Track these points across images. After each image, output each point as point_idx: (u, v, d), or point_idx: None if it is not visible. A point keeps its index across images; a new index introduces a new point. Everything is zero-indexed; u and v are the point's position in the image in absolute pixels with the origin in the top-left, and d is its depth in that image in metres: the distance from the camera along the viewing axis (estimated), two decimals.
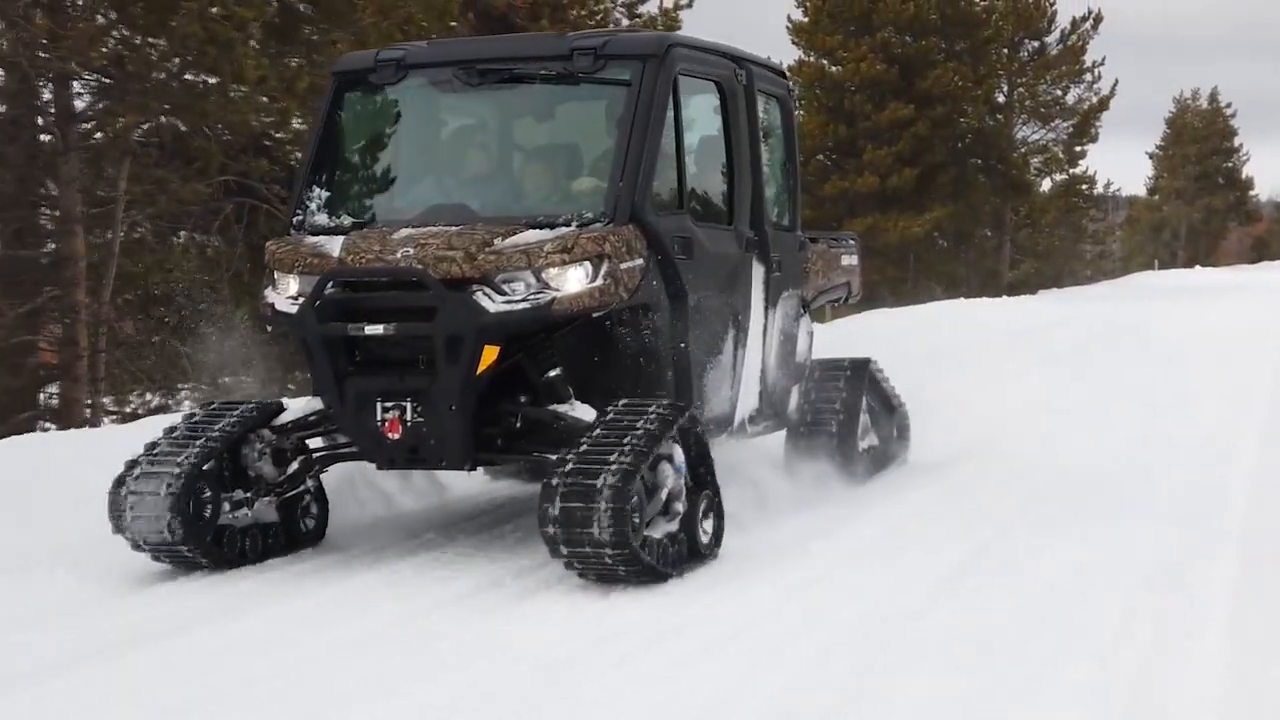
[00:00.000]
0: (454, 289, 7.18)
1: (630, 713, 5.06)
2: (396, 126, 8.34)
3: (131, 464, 7.32)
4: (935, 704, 5.07)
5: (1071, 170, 47.29)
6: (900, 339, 18.13)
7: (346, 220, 7.87)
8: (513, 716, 5.04)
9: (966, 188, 41.03)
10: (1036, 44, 44.49)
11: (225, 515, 7.46)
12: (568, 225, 7.41)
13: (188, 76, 16.25)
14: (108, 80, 16.32)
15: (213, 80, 16.03)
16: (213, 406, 7.85)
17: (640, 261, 7.48)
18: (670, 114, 7.79)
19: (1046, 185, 47.47)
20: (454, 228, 7.44)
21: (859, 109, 38.97)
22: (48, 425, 16.65)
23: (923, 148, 39.05)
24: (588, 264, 7.26)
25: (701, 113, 8.38)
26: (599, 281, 7.28)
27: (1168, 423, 12.27)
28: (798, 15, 40.72)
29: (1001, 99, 44.02)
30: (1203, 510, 8.48)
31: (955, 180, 40.57)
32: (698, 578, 7.04)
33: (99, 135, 16.87)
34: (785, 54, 42.00)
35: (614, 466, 6.63)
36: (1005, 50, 43.33)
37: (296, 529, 7.89)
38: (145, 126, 16.84)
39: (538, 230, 7.38)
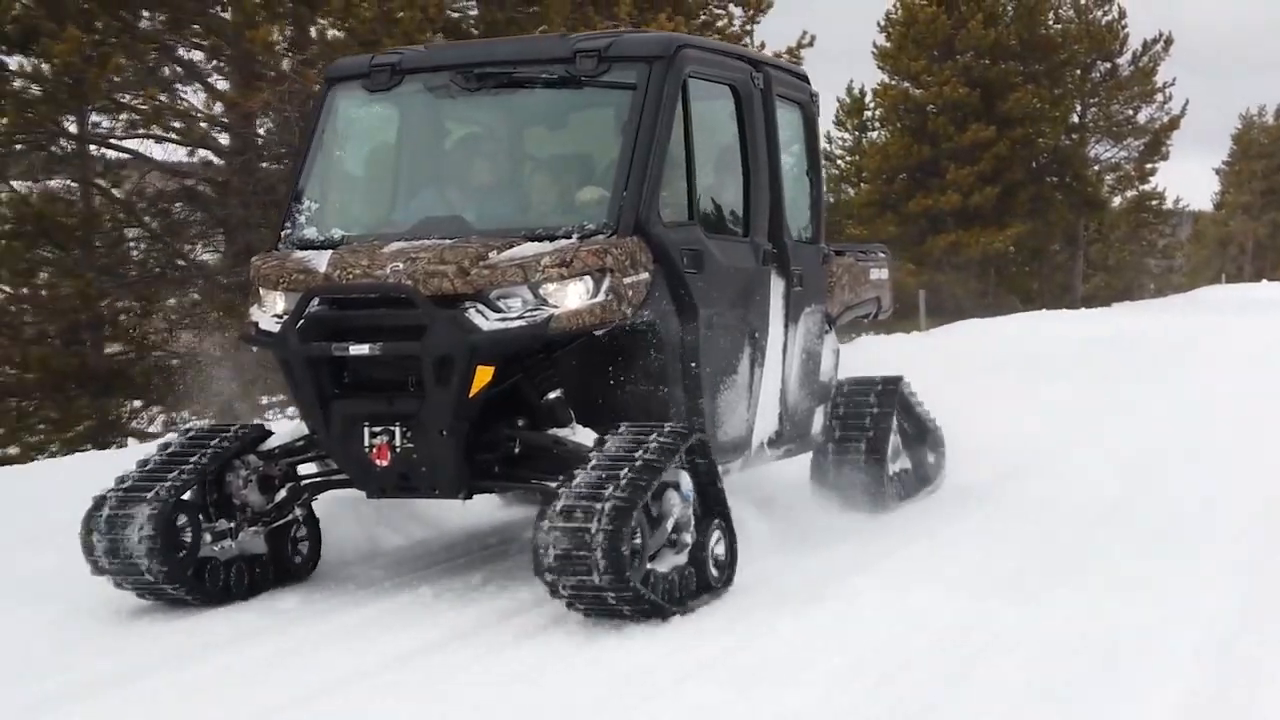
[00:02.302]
0: (445, 306, 6.73)
1: None
2: (390, 134, 7.91)
3: (102, 499, 6.89)
4: None
5: (1142, 187, 48.62)
6: (999, 349, 19.25)
7: (336, 233, 7.44)
8: None
9: (1044, 205, 42.53)
10: (1108, 65, 45.71)
11: (207, 547, 7.03)
12: (568, 237, 6.95)
13: None
14: None
15: None
16: (193, 432, 7.43)
17: (645, 276, 7.01)
18: (679, 119, 7.32)
19: (1118, 202, 48.86)
20: (447, 241, 7.00)
21: (941, 130, 40.34)
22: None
23: (1002, 167, 40.57)
24: (588, 279, 6.80)
25: (715, 118, 7.90)
26: (600, 297, 6.82)
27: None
28: (882, 41, 42.41)
29: (1076, 119, 45.31)
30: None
31: (1033, 198, 42.12)
32: (712, 613, 6.57)
33: None
34: (870, 78, 44.59)
35: (613, 495, 6.16)
36: (1079, 72, 44.77)
37: (287, 560, 7.46)
38: None
39: (536, 243, 6.92)
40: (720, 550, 6.91)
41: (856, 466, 9.23)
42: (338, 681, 5.64)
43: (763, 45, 20.73)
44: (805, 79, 9.01)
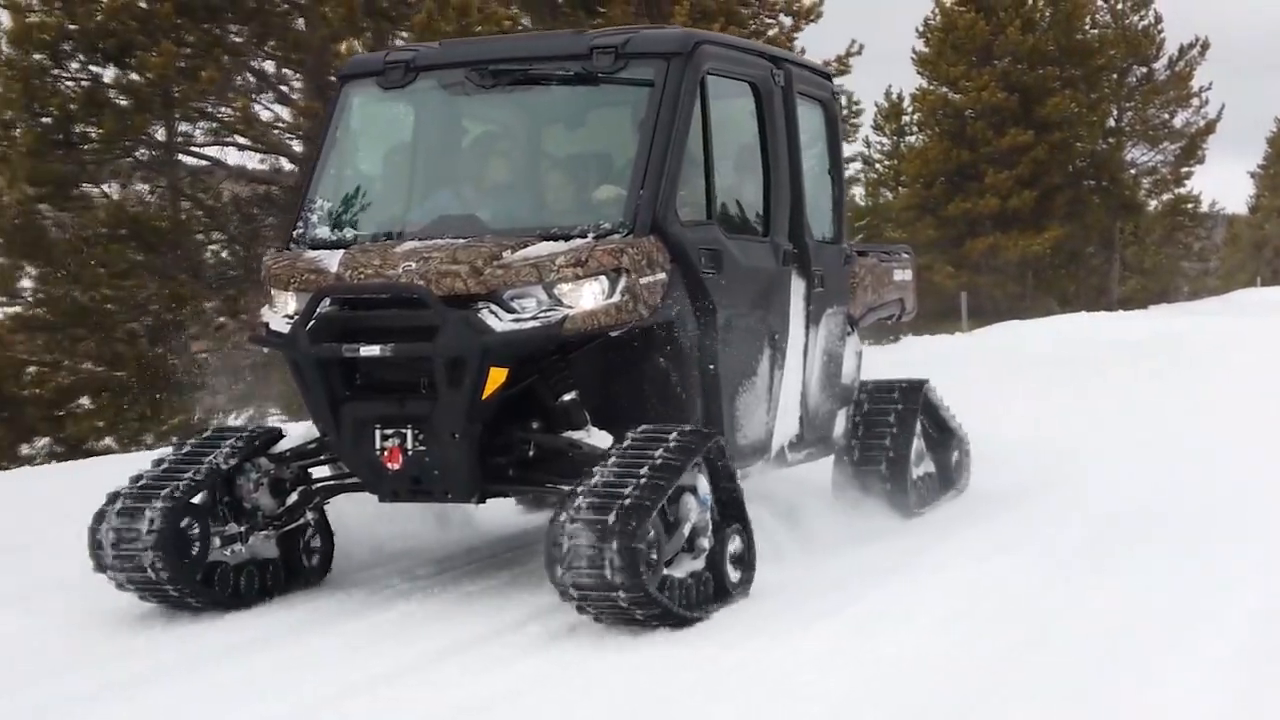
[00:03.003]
0: (458, 307, 6.61)
1: None
2: (404, 132, 7.78)
3: (114, 496, 6.80)
4: None
5: (1177, 190, 48.70)
6: (1047, 348, 19.46)
7: (350, 233, 7.33)
8: None
9: (1081, 208, 42.81)
10: (1145, 70, 45.91)
11: (217, 551, 6.91)
12: (584, 237, 6.82)
13: None
14: None
15: None
16: (206, 434, 7.33)
17: (662, 276, 6.88)
18: (697, 117, 7.19)
19: (1154, 205, 49.00)
20: (461, 240, 6.87)
21: (980, 135, 40.83)
22: None
23: (1041, 171, 40.94)
24: (604, 279, 6.67)
25: (734, 116, 7.77)
26: (616, 298, 6.69)
27: None
28: (921, 46, 42.80)
29: (1112, 123, 45.54)
30: None
31: (1070, 201, 42.41)
32: (732, 620, 6.42)
33: None
34: (908, 83, 45.61)
35: (627, 500, 6.03)
36: (1115, 76, 44.98)
37: (298, 565, 7.35)
38: None
39: (551, 242, 6.80)
40: (739, 556, 6.77)
41: (879, 471, 9.08)
42: (345, 691, 5.52)
43: (802, 51, 21.03)
44: (827, 76, 8.87)
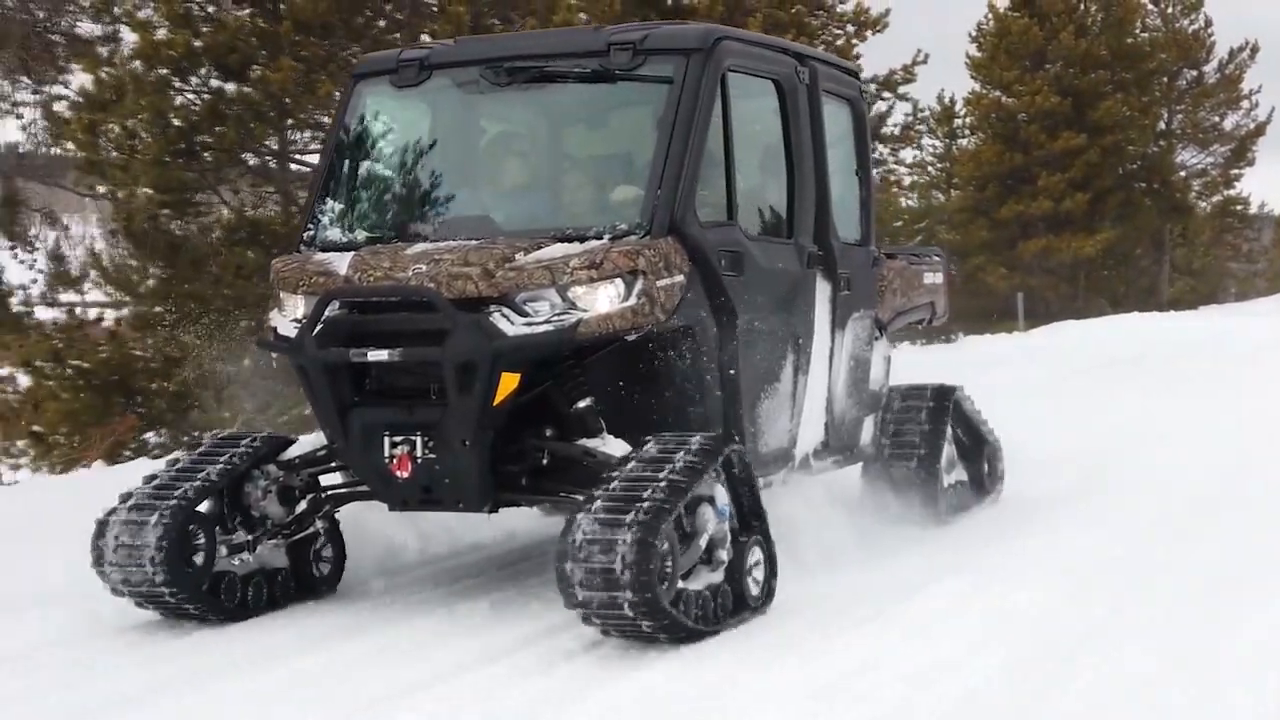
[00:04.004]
0: (469, 310, 6.41)
1: None
2: (417, 132, 7.54)
3: (126, 495, 6.64)
4: None
5: (1227, 192, 49.00)
6: (1111, 348, 20.34)
7: (361, 235, 7.15)
8: None
9: (1132, 210, 43.16)
10: (1195, 73, 46.14)
11: (223, 560, 6.74)
12: (600, 238, 6.61)
13: None
14: None
15: None
16: (216, 439, 7.16)
17: (680, 278, 6.66)
18: (718, 114, 6.97)
19: (1203, 207, 49.37)
20: (473, 242, 6.68)
21: (1033, 138, 40.96)
22: None
23: (1093, 174, 41.07)
24: (619, 281, 6.46)
25: (757, 114, 7.55)
26: (632, 301, 6.48)
27: None
28: (974, 51, 43.06)
29: (1162, 126, 45.90)
30: None
31: (1122, 204, 42.76)
32: (750, 634, 6.20)
33: None
34: (962, 87, 46.15)
35: (641, 510, 5.81)
36: (1165, 80, 45.33)
37: (309, 574, 7.17)
38: None
39: (565, 244, 6.59)
40: (759, 568, 6.55)
41: (909, 478, 8.84)
42: (352, 709, 5.33)
43: (855, 57, 21.10)
44: (855, 74, 8.65)
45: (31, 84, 17.56)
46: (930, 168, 45.55)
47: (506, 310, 6.43)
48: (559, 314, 6.43)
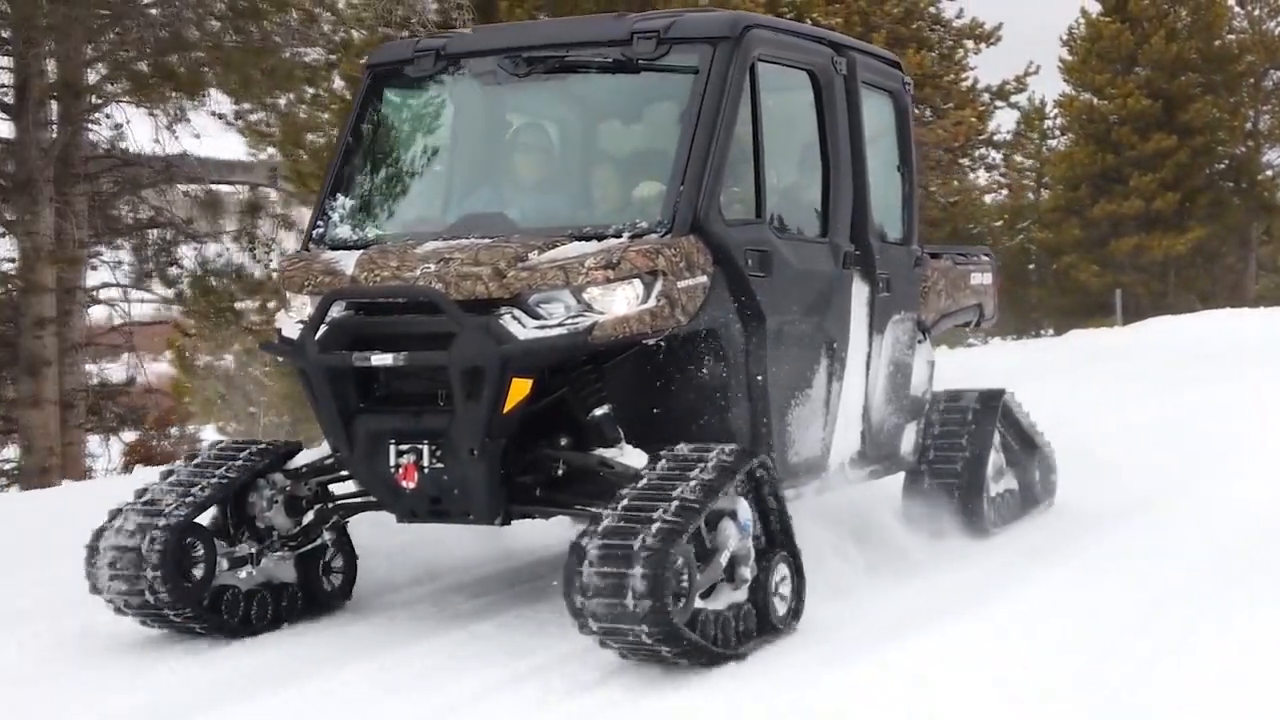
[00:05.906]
0: (478, 312, 6.08)
1: None
2: (432, 126, 7.24)
3: (114, 514, 6.35)
4: None
5: None
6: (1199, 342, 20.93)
7: (371, 232, 6.83)
8: None
9: (1221, 209, 44.02)
10: None
11: (225, 574, 6.45)
12: (619, 236, 6.25)
13: None
14: None
15: None
16: (220, 447, 6.86)
17: (703, 279, 6.30)
18: (747, 106, 6.60)
19: None
20: (485, 240, 6.34)
21: (1125, 140, 42.21)
22: None
23: (1183, 174, 42.41)
24: (637, 282, 6.10)
25: (790, 106, 7.18)
26: (651, 303, 6.12)
27: None
28: (1066, 55, 44.42)
29: (1249, 126, 46.65)
30: None
31: (1211, 203, 43.69)
32: (778, 657, 5.85)
33: None
34: (1054, 89, 46.92)
35: (655, 525, 5.46)
36: (1253, 81, 46.16)
37: (317, 588, 6.87)
38: None
39: (582, 243, 6.24)
40: (785, 587, 6.18)
41: (951, 488, 8.43)
42: None
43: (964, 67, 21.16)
44: (897, 65, 8.23)
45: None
46: (1019, 171, 47.40)
47: (518, 312, 6.09)
48: (573, 316, 6.08)
